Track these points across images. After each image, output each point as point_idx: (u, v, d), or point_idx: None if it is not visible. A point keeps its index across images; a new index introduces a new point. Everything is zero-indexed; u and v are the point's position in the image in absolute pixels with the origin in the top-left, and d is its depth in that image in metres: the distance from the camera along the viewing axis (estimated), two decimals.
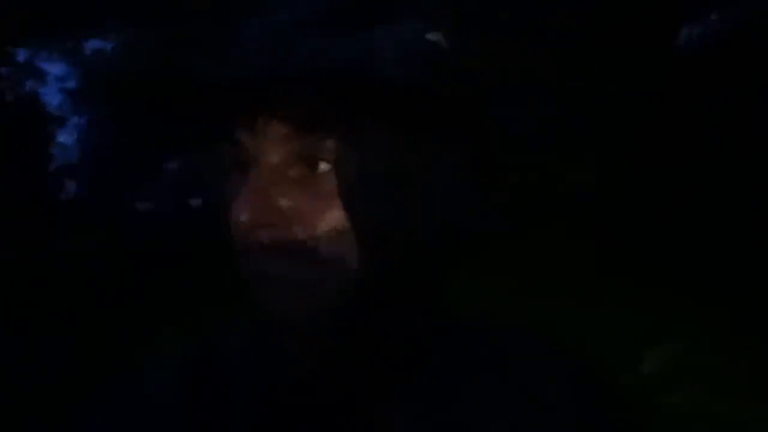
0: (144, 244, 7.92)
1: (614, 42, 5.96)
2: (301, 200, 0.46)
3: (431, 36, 0.48)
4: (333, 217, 0.45)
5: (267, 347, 0.53)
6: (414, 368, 0.52)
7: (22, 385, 3.62)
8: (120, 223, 9.45)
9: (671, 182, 5.28)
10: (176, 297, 5.50)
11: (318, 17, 0.46)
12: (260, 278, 0.47)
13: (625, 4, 5.96)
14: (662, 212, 5.19)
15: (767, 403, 2.78)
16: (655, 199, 5.33)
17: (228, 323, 0.59)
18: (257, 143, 0.46)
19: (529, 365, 0.55)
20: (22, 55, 9.74)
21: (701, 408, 2.83)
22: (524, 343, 0.58)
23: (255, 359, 0.53)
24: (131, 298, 5.58)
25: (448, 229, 0.49)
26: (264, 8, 0.49)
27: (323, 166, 0.45)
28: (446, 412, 0.51)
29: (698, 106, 5.28)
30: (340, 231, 0.45)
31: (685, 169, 5.26)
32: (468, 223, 0.50)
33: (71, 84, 10.67)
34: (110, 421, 0.51)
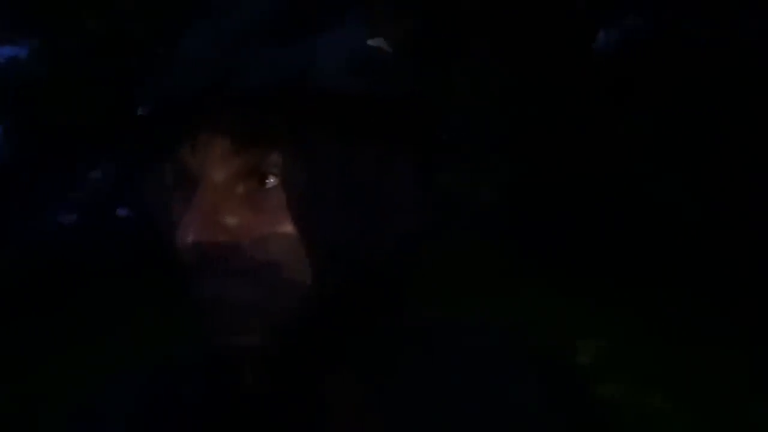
0: (65, 257, 7.60)
1: (530, 47, 6.11)
2: (249, 217, 0.45)
3: (373, 43, 0.48)
4: (283, 233, 0.44)
5: (215, 367, 0.51)
6: (378, 381, 0.51)
7: None
8: (39, 237, 9.03)
9: (587, 186, 5.45)
10: (100, 313, 5.30)
11: (258, 27, 0.45)
12: (210, 300, 0.45)
13: (542, 9, 6.12)
14: (578, 216, 5.35)
15: (681, 392, 2.92)
16: (571, 202, 5.49)
17: (167, 342, 0.57)
18: (199, 159, 0.45)
19: (500, 365, 0.55)
20: None
21: (627, 399, 2.94)
22: (493, 342, 0.57)
23: (204, 380, 0.52)
24: (48, 314, 5.36)
25: (400, 239, 0.48)
26: (202, 18, 0.48)
27: (271, 181, 0.44)
28: (414, 419, 0.50)
29: (613, 108, 5.48)
30: (291, 247, 0.44)
31: (600, 172, 5.43)
32: (419, 231, 0.50)
33: None
34: None
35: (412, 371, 0.52)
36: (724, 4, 5.44)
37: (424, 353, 0.54)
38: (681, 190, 4.83)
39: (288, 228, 0.44)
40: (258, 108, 0.43)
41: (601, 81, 5.73)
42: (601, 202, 5.29)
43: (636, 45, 5.90)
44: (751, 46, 5.16)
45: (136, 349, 3.72)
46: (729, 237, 4.47)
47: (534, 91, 5.94)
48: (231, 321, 0.45)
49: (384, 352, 0.52)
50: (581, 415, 0.55)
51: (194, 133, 0.44)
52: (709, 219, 4.60)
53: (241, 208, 0.45)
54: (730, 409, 2.76)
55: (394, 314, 0.52)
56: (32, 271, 7.10)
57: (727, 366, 3.20)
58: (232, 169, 0.44)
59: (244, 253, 0.44)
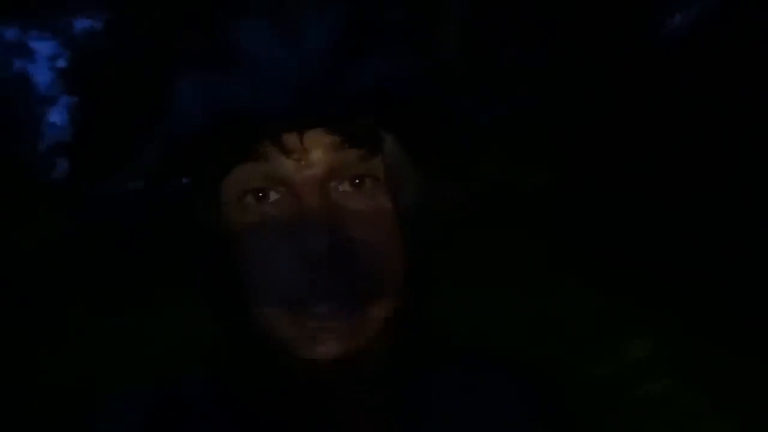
0: (137, 223, 7.87)
1: (587, 32, 5.91)
2: (353, 220, 0.45)
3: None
4: (389, 228, 0.46)
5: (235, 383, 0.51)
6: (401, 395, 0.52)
7: None
8: (112, 202, 9.38)
9: (639, 179, 5.28)
10: (159, 280, 5.43)
11: (335, 42, 0.46)
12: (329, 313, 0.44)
13: None
14: (628, 210, 5.20)
15: (727, 390, 2.84)
16: (621, 196, 5.34)
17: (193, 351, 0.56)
18: (296, 161, 0.44)
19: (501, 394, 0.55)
20: (11, 34, 9.66)
21: (674, 396, 2.89)
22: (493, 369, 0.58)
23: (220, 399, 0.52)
24: (112, 278, 5.52)
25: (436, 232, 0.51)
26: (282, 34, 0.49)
27: (366, 183, 0.46)
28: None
29: (672, 98, 5.26)
30: (394, 243, 0.46)
31: (654, 164, 5.26)
32: (446, 225, 0.52)
33: (61, 63, 10.58)
34: None
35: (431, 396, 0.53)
36: None
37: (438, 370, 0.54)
38: (743, 186, 4.62)
39: (390, 226, 0.46)
40: (355, 114, 0.44)
41: (662, 69, 5.49)
42: (653, 197, 5.12)
43: (705, 31, 5.62)
44: None
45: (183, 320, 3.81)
46: None
47: (587, 81, 5.77)
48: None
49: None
50: None
51: (286, 134, 0.44)
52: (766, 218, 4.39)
53: (344, 211, 0.45)
54: None
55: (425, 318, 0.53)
56: (98, 234, 7.40)
57: None
58: (330, 172, 0.45)
59: (362, 261, 0.45)
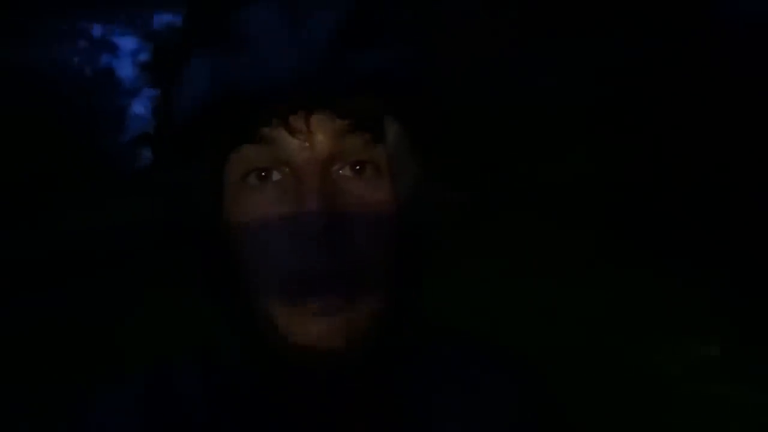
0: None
1: (617, 24, 5.66)
2: (347, 202, 0.46)
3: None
4: (387, 217, 0.47)
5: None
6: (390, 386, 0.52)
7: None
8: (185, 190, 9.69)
9: (670, 169, 5.02)
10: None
11: (339, 35, 0.46)
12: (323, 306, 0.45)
13: None
14: (661, 200, 4.96)
15: None
16: (654, 187, 5.10)
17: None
18: (299, 140, 0.45)
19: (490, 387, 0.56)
20: (97, 31, 10.15)
21: (737, 399, 2.78)
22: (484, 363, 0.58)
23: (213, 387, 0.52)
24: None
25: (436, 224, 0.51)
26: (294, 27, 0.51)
27: (366, 170, 0.47)
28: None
29: (706, 91, 4.96)
30: (393, 222, 0.47)
31: (684, 156, 4.99)
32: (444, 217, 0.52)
33: (144, 57, 11.04)
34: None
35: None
36: None
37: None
38: None
39: (388, 215, 0.47)
40: (357, 95, 0.44)
41: (716, 56, 5.15)
42: (710, 193, 4.84)
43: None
44: None
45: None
46: None
47: (618, 73, 5.53)
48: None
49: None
50: None
51: (293, 117, 0.45)
52: None
53: (343, 195, 0.46)
54: None
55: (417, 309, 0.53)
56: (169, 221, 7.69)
57: None
58: (332, 155, 0.46)
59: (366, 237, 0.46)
